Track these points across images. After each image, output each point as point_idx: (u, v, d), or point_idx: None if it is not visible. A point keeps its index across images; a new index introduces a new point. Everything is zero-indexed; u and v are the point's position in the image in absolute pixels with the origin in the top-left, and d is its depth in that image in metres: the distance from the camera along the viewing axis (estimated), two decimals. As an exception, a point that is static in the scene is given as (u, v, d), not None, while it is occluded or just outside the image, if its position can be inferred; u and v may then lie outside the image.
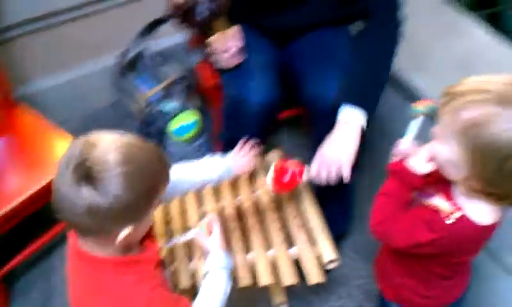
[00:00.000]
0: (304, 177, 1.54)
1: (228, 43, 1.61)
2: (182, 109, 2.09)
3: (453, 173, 1.07)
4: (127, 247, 1.08)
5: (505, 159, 0.96)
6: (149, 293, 1.08)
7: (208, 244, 1.36)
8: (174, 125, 2.04)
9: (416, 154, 1.17)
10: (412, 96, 2.01)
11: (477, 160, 0.99)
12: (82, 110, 2.47)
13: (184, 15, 1.48)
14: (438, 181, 1.15)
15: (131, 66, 2.23)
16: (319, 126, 1.71)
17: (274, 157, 1.77)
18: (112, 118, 2.44)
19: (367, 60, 1.61)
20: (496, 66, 2.04)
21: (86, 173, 0.95)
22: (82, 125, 2.40)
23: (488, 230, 1.11)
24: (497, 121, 0.95)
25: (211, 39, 1.62)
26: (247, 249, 1.55)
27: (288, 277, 1.47)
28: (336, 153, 1.50)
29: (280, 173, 1.52)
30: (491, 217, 1.09)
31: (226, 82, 1.72)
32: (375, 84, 1.61)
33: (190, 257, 1.55)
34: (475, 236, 1.12)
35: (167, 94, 2.14)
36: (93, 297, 1.09)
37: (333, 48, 1.77)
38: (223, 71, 1.73)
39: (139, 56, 2.23)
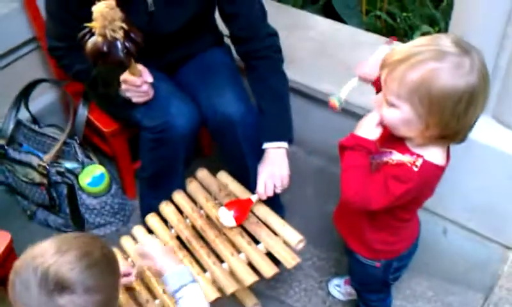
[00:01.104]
0: (254, 199, 1.69)
1: (140, 80, 1.65)
2: (84, 164, 2.05)
3: (407, 130, 1.22)
4: None
5: (458, 102, 1.12)
6: None
7: (160, 264, 1.31)
8: (85, 179, 1.99)
9: (362, 124, 1.30)
10: (289, 88, 2.20)
11: (434, 111, 1.14)
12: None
13: (101, 57, 1.49)
14: (388, 141, 1.30)
15: (12, 138, 2.13)
16: (220, 140, 1.83)
17: (203, 174, 1.84)
18: (2, 200, 2.27)
19: (272, 98, 1.79)
20: (348, 44, 2.33)
21: (55, 283, 0.93)
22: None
23: (443, 169, 1.29)
24: (442, 73, 1.11)
25: (124, 77, 1.64)
26: (220, 260, 1.59)
27: (269, 270, 1.54)
28: (277, 171, 1.71)
29: (242, 209, 1.65)
30: (444, 157, 1.27)
31: (144, 116, 1.73)
32: (286, 113, 1.81)
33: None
34: (437, 177, 1.30)
35: (63, 154, 2.07)
36: None
37: (216, 65, 1.91)
38: (134, 108, 1.76)
39: (17, 126, 2.14)
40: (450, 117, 1.14)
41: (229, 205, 1.66)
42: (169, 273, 1.27)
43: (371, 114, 1.29)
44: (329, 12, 2.87)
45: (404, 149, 1.25)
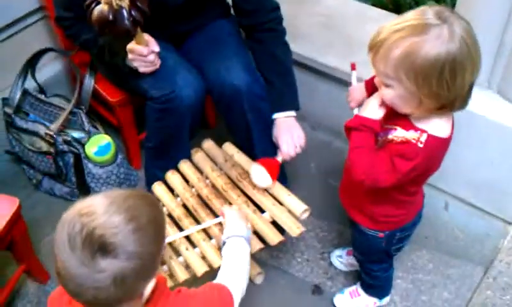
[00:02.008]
0: (280, 159, 1.75)
1: (147, 49, 1.66)
2: (90, 134, 2.07)
3: (405, 106, 1.23)
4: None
5: (442, 70, 1.13)
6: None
7: (228, 217, 1.43)
8: (92, 148, 2.01)
9: (367, 105, 1.33)
10: (296, 62, 2.21)
11: (421, 83, 1.15)
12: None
13: (107, 25, 1.50)
14: (392, 118, 1.31)
15: (19, 107, 2.14)
16: (225, 110, 1.85)
17: (209, 145, 1.86)
18: (8, 169, 2.30)
19: (279, 69, 1.84)
20: (354, 19, 2.34)
21: (99, 245, 0.91)
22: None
23: (449, 141, 1.30)
24: (422, 46, 1.12)
25: (130, 46, 1.65)
26: (225, 228, 1.62)
27: (274, 237, 1.57)
28: (294, 132, 1.79)
29: (273, 167, 1.68)
30: (448, 128, 1.28)
31: (151, 86, 1.75)
32: (292, 83, 1.86)
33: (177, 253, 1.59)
34: (443, 149, 1.31)
35: (69, 123, 2.09)
36: None
37: (223, 37, 1.92)
38: (140, 78, 1.77)
39: (23, 95, 2.15)
40: (439, 87, 1.15)
41: (260, 164, 1.68)
42: (229, 223, 1.40)
43: (375, 95, 1.31)
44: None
45: (408, 125, 1.27)
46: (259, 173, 1.67)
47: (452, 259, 1.93)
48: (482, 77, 1.75)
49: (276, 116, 1.81)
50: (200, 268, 1.52)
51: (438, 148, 1.27)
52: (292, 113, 1.81)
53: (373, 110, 1.31)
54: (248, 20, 1.85)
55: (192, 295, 1.13)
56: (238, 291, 1.22)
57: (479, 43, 1.16)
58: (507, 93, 1.74)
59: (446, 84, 1.15)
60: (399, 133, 1.28)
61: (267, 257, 1.95)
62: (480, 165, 1.88)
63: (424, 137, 1.23)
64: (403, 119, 1.28)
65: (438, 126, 1.25)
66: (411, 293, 1.85)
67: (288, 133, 1.77)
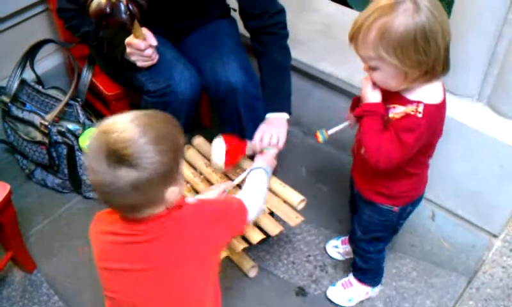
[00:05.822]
0: (248, 144, 1.75)
1: (144, 43, 1.68)
2: (85, 126, 2.09)
3: (394, 82, 1.32)
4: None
5: (414, 39, 1.23)
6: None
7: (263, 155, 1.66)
8: (85, 140, 2.02)
9: (363, 93, 1.41)
10: (292, 67, 2.23)
11: (400, 55, 1.25)
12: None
13: (104, 18, 1.53)
14: (388, 98, 1.39)
15: (16, 97, 2.16)
16: (220, 107, 1.89)
17: (199, 141, 1.88)
18: (1, 158, 2.34)
19: (275, 71, 1.89)
20: (350, 27, 2.36)
21: (116, 156, 1.04)
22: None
23: (444, 105, 1.39)
24: (393, 22, 1.23)
25: (128, 40, 1.67)
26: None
27: (274, 228, 1.63)
28: (275, 130, 1.79)
29: (233, 148, 1.70)
30: (441, 93, 1.36)
31: (148, 79, 1.77)
32: (288, 87, 1.91)
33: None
34: (441, 114, 1.40)
35: (64, 115, 2.11)
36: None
37: (221, 36, 1.96)
38: (138, 72, 1.79)
39: (21, 85, 2.17)
40: (417, 55, 1.25)
41: (226, 141, 1.70)
42: (261, 157, 1.68)
43: (364, 83, 1.40)
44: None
45: (405, 101, 1.35)
46: (219, 152, 1.70)
47: (437, 269, 1.94)
48: (473, 89, 1.77)
49: (268, 115, 1.84)
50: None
51: (435, 114, 1.36)
52: (285, 115, 1.83)
53: (370, 95, 1.40)
54: (252, 23, 1.90)
55: (208, 202, 1.37)
56: (253, 209, 1.38)
57: (444, 11, 1.27)
58: (496, 105, 1.76)
59: (423, 50, 1.25)
60: (398, 110, 1.36)
61: (254, 257, 1.96)
62: (468, 177, 1.89)
63: (421, 108, 1.32)
64: (398, 97, 1.37)
65: (430, 95, 1.34)
66: (394, 300, 1.87)
67: (269, 127, 1.78)
